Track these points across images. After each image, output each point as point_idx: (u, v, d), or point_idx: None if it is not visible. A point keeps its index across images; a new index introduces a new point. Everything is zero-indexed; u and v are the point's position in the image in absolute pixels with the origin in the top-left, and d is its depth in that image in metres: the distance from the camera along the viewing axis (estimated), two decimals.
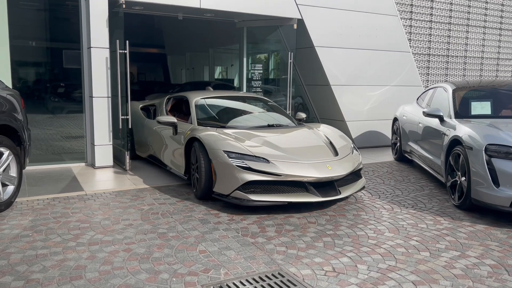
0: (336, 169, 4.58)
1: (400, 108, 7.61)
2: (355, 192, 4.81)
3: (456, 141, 4.87)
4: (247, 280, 3.01)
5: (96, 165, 6.51)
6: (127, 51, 6.19)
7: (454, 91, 5.76)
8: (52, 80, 7.48)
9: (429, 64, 9.98)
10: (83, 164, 6.77)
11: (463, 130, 4.79)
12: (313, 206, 4.68)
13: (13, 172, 4.52)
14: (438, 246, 3.67)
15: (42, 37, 7.24)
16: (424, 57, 9.88)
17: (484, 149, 4.32)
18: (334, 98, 8.48)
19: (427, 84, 9.95)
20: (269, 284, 2.97)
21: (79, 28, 6.56)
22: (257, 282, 3.00)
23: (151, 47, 17.29)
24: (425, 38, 9.80)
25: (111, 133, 6.55)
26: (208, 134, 4.83)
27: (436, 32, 9.92)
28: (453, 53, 10.32)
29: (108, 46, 6.37)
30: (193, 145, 4.97)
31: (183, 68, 17.68)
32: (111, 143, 6.58)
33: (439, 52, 10.08)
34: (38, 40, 7.19)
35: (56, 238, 3.74)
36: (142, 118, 6.83)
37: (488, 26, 10.76)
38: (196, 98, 5.93)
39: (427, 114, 5.66)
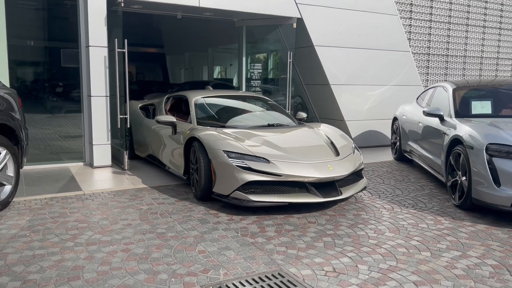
0: (337, 169, 4.54)
1: (400, 107, 7.58)
2: (357, 193, 4.76)
3: (456, 141, 4.84)
4: (246, 281, 2.98)
5: (94, 165, 6.47)
6: (125, 50, 6.16)
7: (454, 91, 5.73)
8: (50, 79, 7.45)
9: (428, 64, 9.96)
10: (81, 163, 6.73)
11: (464, 129, 4.76)
12: (313, 206, 4.65)
13: (10, 171, 4.48)
14: (439, 246, 3.64)
15: (40, 36, 7.20)
16: (424, 57, 9.86)
17: (485, 148, 4.29)
18: (333, 98, 8.46)
19: (427, 83, 9.93)
20: (269, 285, 2.94)
21: (77, 27, 6.52)
22: (256, 282, 2.97)
23: (150, 46, 17.26)
24: (425, 37, 9.78)
25: (109, 133, 6.51)
26: (208, 134, 4.79)
27: (435, 31, 9.90)
28: (452, 52, 10.31)
29: (106, 45, 6.33)
30: (192, 145, 4.93)
31: (182, 67, 17.64)
32: (109, 142, 6.54)
33: (439, 52, 10.06)
34: (36, 39, 7.15)
35: (53, 238, 3.70)
36: (141, 117, 6.79)
37: (488, 26, 10.75)
38: (196, 98, 5.89)
39: (427, 114, 5.63)
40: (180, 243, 3.63)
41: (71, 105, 7.20)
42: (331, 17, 8.26)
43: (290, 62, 7.90)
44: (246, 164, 4.34)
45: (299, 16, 7.94)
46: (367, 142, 8.75)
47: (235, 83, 12.42)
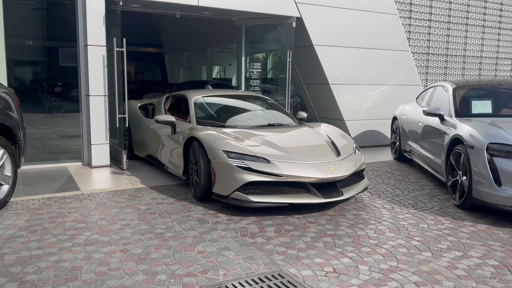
0: (338, 170, 4.49)
1: (400, 107, 7.56)
2: (358, 193, 4.72)
3: (457, 140, 4.82)
4: (246, 282, 2.95)
5: (92, 165, 6.43)
6: (124, 49, 6.12)
7: (454, 90, 5.71)
8: (49, 79, 7.40)
9: (428, 63, 9.94)
10: (80, 163, 6.69)
11: (464, 129, 4.74)
12: (313, 206, 4.61)
13: (8, 171, 4.44)
14: (440, 246, 3.62)
15: (38, 35, 7.16)
16: (423, 56, 9.84)
17: (485, 148, 4.27)
18: (333, 97, 8.43)
19: (426, 83, 9.91)
20: (269, 285, 2.91)
21: (75, 26, 6.49)
22: (256, 283, 2.94)
23: (149, 46, 17.22)
24: (424, 37, 9.76)
25: (108, 132, 6.48)
26: (207, 134, 4.75)
27: (435, 31, 9.88)
28: (452, 52, 10.29)
29: (105, 44, 6.29)
30: (192, 145, 4.89)
31: (181, 67, 17.61)
32: (108, 142, 6.51)
33: (438, 51, 10.05)
34: (34, 38, 7.11)
35: (51, 238, 3.67)
36: (140, 117, 6.75)
37: (487, 26, 10.73)
38: (195, 97, 5.85)
39: (427, 113, 5.61)
40: (179, 243, 3.60)
41: (69, 105, 7.16)
42: (331, 17, 8.24)
43: (289, 61, 7.87)
44: (246, 164, 4.30)
45: (299, 15, 7.91)
46: (366, 141, 8.73)
47: (234, 82, 12.40)
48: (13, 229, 3.86)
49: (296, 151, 4.66)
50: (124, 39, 6.09)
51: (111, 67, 6.26)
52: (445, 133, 5.20)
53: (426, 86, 9.66)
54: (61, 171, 6.19)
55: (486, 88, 5.93)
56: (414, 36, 9.61)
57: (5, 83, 5.88)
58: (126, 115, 6.35)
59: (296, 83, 9.04)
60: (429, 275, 3.09)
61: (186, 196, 5.00)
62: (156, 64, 18.11)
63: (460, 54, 10.42)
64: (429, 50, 9.91)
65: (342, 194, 4.46)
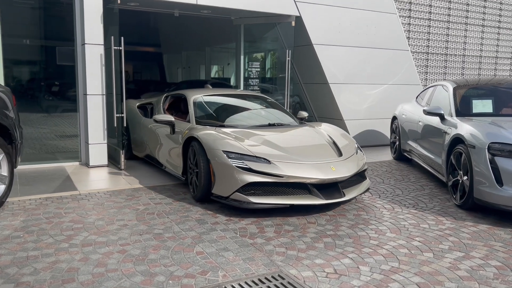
0: (340, 170, 4.43)
1: (399, 106, 7.53)
2: (360, 194, 4.66)
3: (457, 140, 4.78)
4: (246, 283, 2.91)
5: (90, 164, 6.38)
6: (122, 48, 6.07)
7: (455, 89, 5.68)
8: (46, 78, 7.34)
9: (427, 63, 9.91)
10: (77, 163, 6.64)
11: (465, 128, 4.70)
12: (313, 207, 4.56)
13: (4, 171, 4.39)
14: (441, 247, 3.58)
15: (35, 34, 7.10)
16: (423, 56, 9.81)
17: (487, 147, 4.23)
18: (332, 97, 8.40)
19: (426, 82, 9.88)
20: (268, 287, 2.86)
21: (73, 25, 6.43)
22: (256, 284, 2.90)
23: (147, 45, 17.15)
24: (424, 36, 9.73)
25: (105, 132, 6.43)
26: (207, 133, 4.69)
27: (434, 30, 9.86)
28: (451, 51, 10.26)
29: (102, 43, 6.24)
30: (191, 145, 4.83)
31: (179, 66, 17.55)
32: (105, 141, 6.46)
33: (438, 51, 10.02)
34: (31, 37, 7.05)
35: (48, 239, 3.62)
36: (139, 117, 6.68)
37: (487, 25, 10.71)
38: (195, 96, 5.79)
39: (428, 113, 5.57)
40: (177, 244, 3.56)
41: (66, 104, 7.10)
42: (330, 15, 8.20)
43: (288, 60, 7.83)
44: (246, 165, 4.23)
45: (298, 14, 7.87)
46: (366, 141, 8.69)
47: (232, 82, 12.35)
48: (9, 230, 3.81)
49: (297, 151, 4.60)
50: (122, 37, 6.04)
51: (109, 66, 6.21)
52: (446, 132, 5.17)
53: (426, 85, 9.63)
54: (58, 171, 6.14)
55: (487, 88, 5.90)
56: (414, 35, 9.58)
57: (2, 82, 5.82)
58: (124, 115, 6.30)
59: (295, 82, 9.00)
60: (431, 276, 3.06)
61: (185, 196, 4.96)
62: (154, 63, 18.05)
63: (460, 53, 10.40)
64: (428, 50, 9.88)
65: (344, 195, 4.40)
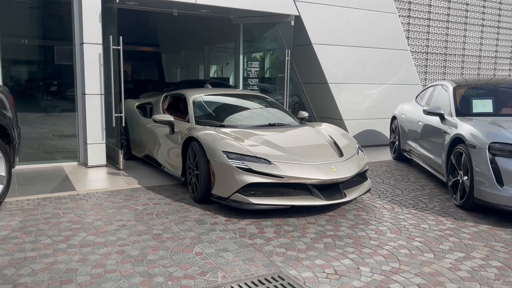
0: (341, 171, 4.39)
1: (399, 106, 7.51)
2: (361, 195, 4.62)
3: (458, 140, 4.77)
4: (246, 284, 2.89)
5: (88, 164, 6.35)
6: (120, 47, 6.04)
7: (455, 89, 5.66)
8: (44, 78, 7.31)
9: (427, 63, 9.90)
10: (76, 163, 6.61)
11: (465, 128, 4.69)
12: (314, 207, 4.54)
13: (2, 171, 4.35)
14: (442, 247, 3.56)
15: (33, 33, 7.07)
16: (422, 55, 9.79)
17: (487, 147, 4.22)
18: (331, 97, 8.38)
19: (425, 82, 9.87)
20: None
21: (71, 24, 6.39)
22: (256, 285, 2.87)
23: (146, 45, 17.13)
24: (423, 36, 9.72)
25: (104, 132, 6.39)
26: (206, 133, 4.65)
27: (434, 30, 9.85)
28: (451, 51, 10.25)
29: (101, 42, 6.21)
30: (190, 145, 4.79)
31: (178, 66, 17.52)
32: (104, 141, 6.42)
33: (437, 50, 10.01)
34: (29, 36, 7.01)
35: (46, 239, 3.59)
36: (138, 116, 6.65)
37: (486, 25, 10.71)
38: (194, 96, 5.75)
39: (428, 112, 5.56)
40: (176, 244, 3.53)
41: (65, 104, 7.07)
42: (330, 15, 8.18)
43: (287, 60, 7.81)
44: (246, 165, 4.19)
45: (297, 14, 7.85)
46: (365, 141, 8.68)
47: (231, 82, 12.32)
48: (7, 230, 3.78)
49: (297, 151, 4.56)
50: (121, 37, 6.01)
51: (108, 65, 6.18)
52: (446, 132, 5.15)
53: (425, 85, 9.62)
54: (56, 171, 6.11)
55: (486, 87, 5.88)
56: (413, 35, 9.57)
57: (0, 82, 5.79)
58: (123, 114, 6.26)
59: (294, 82, 8.98)
60: (432, 276, 3.04)
61: (184, 196, 4.93)
62: (153, 63, 18.02)
63: (459, 53, 10.39)
64: (428, 49, 9.87)
65: (345, 196, 4.36)
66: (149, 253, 3.34)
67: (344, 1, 8.29)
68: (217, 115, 5.57)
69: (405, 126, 6.96)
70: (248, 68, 8.97)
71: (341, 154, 4.69)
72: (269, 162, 4.25)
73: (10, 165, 4.47)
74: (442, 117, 5.41)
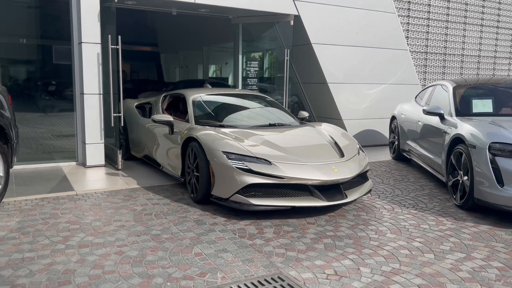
0: (342, 171, 4.35)
1: (398, 106, 7.50)
2: (362, 196, 4.59)
3: (458, 140, 4.75)
4: (245, 285, 2.87)
5: (87, 164, 6.32)
6: (119, 47, 6.01)
7: (454, 89, 5.65)
8: (42, 77, 7.28)
9: (426, 62, 9.89)
10: (74, 163, 6.58)
11: (465, 128, 4.67)
12: (314, 207, 4.51)
13: (0, 171, 4.33)
14: (442, 248, 3.55)
15: (31, 33, 7.03)
16: (422, 55, 9.79)
17: (488, 147, 4.20)
18: (331, 96, 8.36)
19: (424, 82, 9.86)
20: None
21: (69, 23, 6.37)
22: (256, 286, 2.85)
23: (144, 45, 17.10)
24: (423, 36, 9.71)
25: (103, 131, 6.37)
26: (206, 134, 4.62)
27: (433, 30, 9.84)
28: (450, 51, 10.25)
29: (99, 42, 6.18)
30: (190, 145, 4.76)
31: (177, 66, 17.49)
32: (102, 141, 6.40)
33: (437, 50, 10.00)
34: (27, 36, 6.98)
35: (44, 240, 3.56)
36: (137, 116, 6.61)
37: (485, 25, 10.70)
38: (194, 96, 5.72)
39: (427, 112, 5.54)
40: (175, 245, 3.51)
41: (63, 103, 7.03)
42: (329, 15, 8.16)
43: (287, 60, 7.79)
44: (246, 166, 4.16)
45: (296, 13, 7.83)
46: (364, 141, 8.66)
47: (230, 81, 12.31)
48: (5, 231, 3.76)
49: (298, 152, 4.53)
50: (119, 36, 5.98)
51: (106, 65, 6.15)
52: (446, 132, 5.14)
53: (425, 85, 9.61)
54: (54, 171, 6.08)
55: (486, 87, 5.87)
56: (413, 35, 9.56)
57: None
58: (121, 114, 6.23)
59: (293, 82, 8.96)
60: (432, 277, 3.02)
61: (183, 196, 4.91)
62: (152, 63, 17.99)
63: (458, 53, 10.38)
64: (427, 49, 9.86)
65: (346, 197, 4.32)
66: (148, 254, 3.32)
67: (344, 1, 8.28)
68: (217, 115, 5.54)
69: (404, 126, 6.95)
70: (247, 68, 8.95)
71: (342, 154, 4.65)
72: (269, 163, 4.22)
73: (8, 165, 4.45)
74: (442, 117, 5.40)
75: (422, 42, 9.73)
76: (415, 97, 7.13)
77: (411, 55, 9.47)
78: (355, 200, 4.51)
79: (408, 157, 6.87)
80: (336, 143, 4.88)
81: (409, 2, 9.38)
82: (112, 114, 6.17)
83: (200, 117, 5.42)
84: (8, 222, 3.98)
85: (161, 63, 18.06)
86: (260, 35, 9.47)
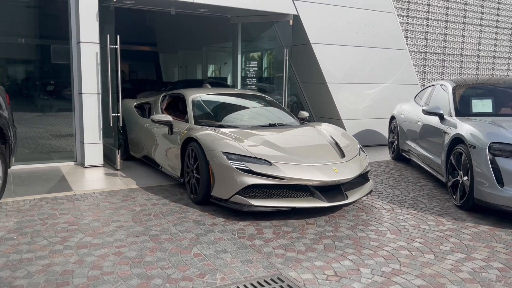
0: (343, 172, 4.32)
1: (398, 106, 7.49)
2: (363, 197, 4.56)
3: (457, 140, 4.74)
4: (245, 286, 2.85)
5: (85, 164, 6.30)
6: (118, 46, 5.99)
7: (454, 89, 5.64)
8: (41, 77, 7.25)
9: (425, 62, 9.88)
10: (72, 163, 6.56)
11: (465, 128, 4.66)
12: (313, 208, 4.50)
13: None
14: (442, 248, 3.53)
15: (29, 32, 7.01)
16: (421, 55, 9.78)
17: (487, 147, 4.19)
18: (330, 96, 8.35)
19: (424, 82, 9.86)
20: None
21: (68, 23, 6.34)
22: (255, 287, 2.83)
23: (143, 45, 17.07)
24: (422, 35, 9.70)
25: (101, 132, 6.34)
26: (206, 134, 4.59)
27: (432, 29, 9.83)
28: (449, 51, 10.24)
29: (98, 41, 6.16)
30: (189, 146, 4.73)
31: (176, 66, 17.46)
32: (101, 141, 6.37)
33: (436, 50, 9.99)
34: (25, 35, 6.95)
35: (42, 241, 3.54)
36: (136, 116, 6.58)
37: (485, 24, 10.70)
38: (193, 96, 5.69)
39: (427, 112, 5.53)
40: (174, 246, 3.49)
41: (62, 103, 7.01)
42: (328, 14, 8.15)
43: (286, 60, 7.77)
44: (246, 166, 4.12)
45: (296, 13, 7.82)
46: (364, 141, 8.64)
47: (229, 81, 12.29)
48: (3, 232, 3.73)
49: (298, 152, 4.50)
50: (118, 36, 5.96)
51: (105, 64, 6.13)
52: (445, 132, 5.13)
53: (424, 85, 9.60)
54: (53, 171, 6.06)
55: (486, 87, 5.86)
56: (412, 34, 9.55)
57: None
58: (120, 114, 6.21)
59: (293, 81, 8.95)
60: (433, 278, 3.01)
61: (182, 197, 4.89)
62: (151, 62, 17.97)
63: (458, 53, 10.38)
64: (426, 49, 9.85)
65: (347, 198, 4.28)
66: (147, 255, 3.30)
67: (343, 1, 8.27)
68: (217, 115, 5.52)
69: (404, 126, 6.93)
70: (246, 68, 8.93)
71: (342, 154, 4.62)
72: (269, 163, 4.19)
73: (6, 165, 4.43)
74: (441, 117, 5.39)
75: (422, 42, 9.72)
76: (415, 97, 7.12)
77: (411, 55, 9.46)
78: (356, 201, 4.48)
79: (408, 157, 6.86)
80: (336, 143, 4.85)
81: (408, 2, 9.37)
82: (111, 114, 6.14)
83: (200, 117, 5.40)
84: (6, 222, 3.96)
85: (160, 62, 18.03)
86: (259, 35, 9.45)
